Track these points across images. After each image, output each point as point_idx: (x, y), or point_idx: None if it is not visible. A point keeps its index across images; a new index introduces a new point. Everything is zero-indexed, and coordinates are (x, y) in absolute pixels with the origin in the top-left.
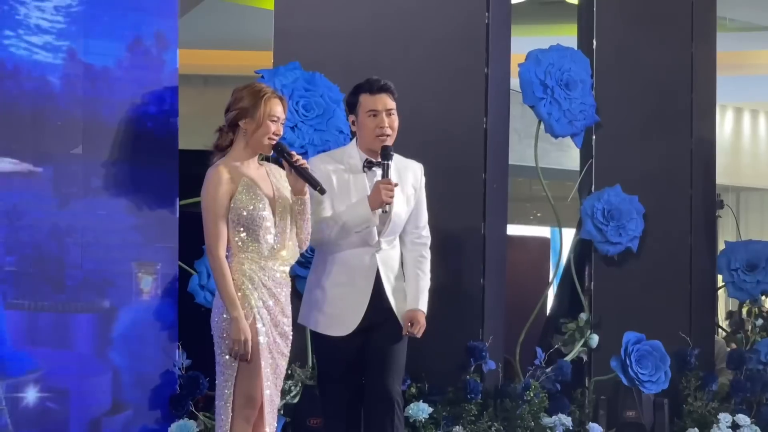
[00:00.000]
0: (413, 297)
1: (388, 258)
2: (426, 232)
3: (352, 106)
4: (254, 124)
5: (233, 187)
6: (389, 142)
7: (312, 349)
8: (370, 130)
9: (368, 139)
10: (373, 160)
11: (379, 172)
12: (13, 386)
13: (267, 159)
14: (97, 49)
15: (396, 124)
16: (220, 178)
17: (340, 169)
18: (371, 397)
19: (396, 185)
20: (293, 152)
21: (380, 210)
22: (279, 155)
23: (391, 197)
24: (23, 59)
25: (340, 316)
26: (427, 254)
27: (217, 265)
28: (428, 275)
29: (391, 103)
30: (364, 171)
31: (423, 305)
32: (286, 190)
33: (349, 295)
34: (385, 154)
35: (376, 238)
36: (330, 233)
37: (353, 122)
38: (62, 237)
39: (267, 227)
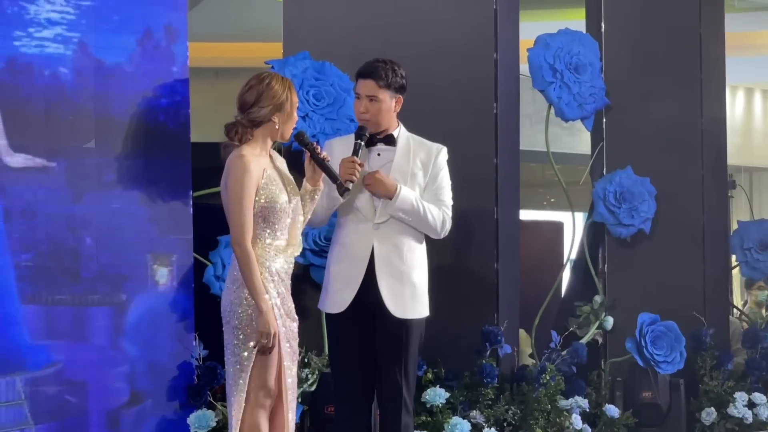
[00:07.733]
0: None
1: (389, 238)
2: (448, 207)
3: None
4: (285, 116)
5: (258, 179)
6: (369, 125)
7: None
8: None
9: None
10: (360, 142)
11: (374, 150)
12: (32, 380)
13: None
14: (107, 43)
15: (378, 110)
16: (246, 168)
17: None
18: (381, 390)
19: (361, 165)
20: (315, 143)
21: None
22: (302, 146)
23: (351, 174)
24: (35, 56)
25: (338, 292)
26: (447, 213)
27: (245, 257)
28: (435, 214)
29: (375, 90)
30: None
31: (405, 191)
32: (291, 178)
33: (346, 271)
34: (359, 133)
35: (374, 208)
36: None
37: None
38: (77, 231)
39: (285, 218)
